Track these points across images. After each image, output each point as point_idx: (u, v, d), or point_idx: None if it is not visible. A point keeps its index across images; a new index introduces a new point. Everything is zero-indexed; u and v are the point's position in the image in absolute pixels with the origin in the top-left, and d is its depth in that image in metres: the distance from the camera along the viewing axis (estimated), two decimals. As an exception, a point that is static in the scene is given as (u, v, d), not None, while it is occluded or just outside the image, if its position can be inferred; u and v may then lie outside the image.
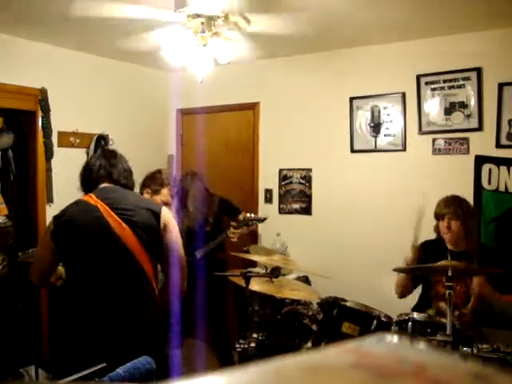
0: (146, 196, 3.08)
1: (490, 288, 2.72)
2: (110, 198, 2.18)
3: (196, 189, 3.76)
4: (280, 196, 4.52)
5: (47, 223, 3.93)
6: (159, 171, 3.18)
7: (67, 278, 2.23)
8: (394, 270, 2.75)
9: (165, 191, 3.08)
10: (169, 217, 2.26)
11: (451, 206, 2.88)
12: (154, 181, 3.11)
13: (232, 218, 3.92)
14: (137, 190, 3.05)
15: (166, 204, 3.07)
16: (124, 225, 2.12)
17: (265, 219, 3.79)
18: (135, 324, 2.11)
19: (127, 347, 2.03)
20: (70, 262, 2.19)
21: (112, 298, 2.11)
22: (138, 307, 2.14)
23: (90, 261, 2.14)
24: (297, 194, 4.43)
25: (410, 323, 2.58)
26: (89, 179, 2.29)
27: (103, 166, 2.28)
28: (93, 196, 2.19)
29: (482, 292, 2.73)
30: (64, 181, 4.09)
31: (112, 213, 2.13)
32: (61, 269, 2.32)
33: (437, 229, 3.00)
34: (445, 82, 3.68)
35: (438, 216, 2.94)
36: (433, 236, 3.06)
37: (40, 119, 3.94)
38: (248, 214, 3.78)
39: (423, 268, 2.86)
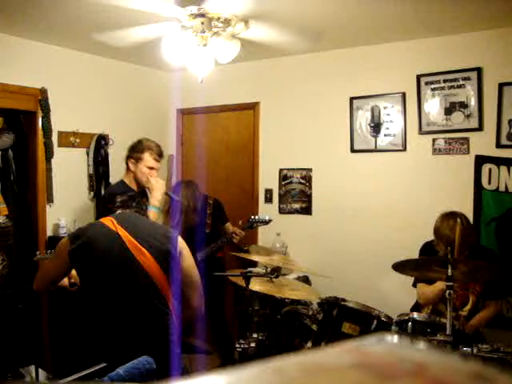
0: (131, 166, 3.10)
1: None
2: (130, 225, 2.24)
3: (187, 197, 3.79)
4: (280, 196, 4.52)
5: (47, 223, 3.99)
6: (139, 141, 3.20)
7: (84, 297, 2.25)
8: (393, 266, 2.74)
9: (146, 156, 3.10)
10: (184, 244, 2.32)
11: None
12: (134, 150, 3.15)
13: (220, 223, 3.97)
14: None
15: (151, 168, 3.09)
16: (144, 250, 2.16)
17: (270, 221, 3.81)
18: (149, 343, 2.12)
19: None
20: (88, 282, 2.21)
21: (128, 321, 2.13)
22: (153, 329, 2.15)
23: (108, 284, 2.16)
24: (297, 194, 4.43)
25: (409, 323, 2.58)
26: (109, 207, 2.40)
27: (122, 195, 2.47)
28: (113, 221, 2.23)
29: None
30: (64, 181, 4.10)
31: (131, 238, 2.17)
32: (75, 273, 2.34)
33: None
34: (445, 81, 3.68)
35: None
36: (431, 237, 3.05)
37: (40, 119, 3.93)
38: (252, 216, 3.82)
39: (423, 266, 2.84)
